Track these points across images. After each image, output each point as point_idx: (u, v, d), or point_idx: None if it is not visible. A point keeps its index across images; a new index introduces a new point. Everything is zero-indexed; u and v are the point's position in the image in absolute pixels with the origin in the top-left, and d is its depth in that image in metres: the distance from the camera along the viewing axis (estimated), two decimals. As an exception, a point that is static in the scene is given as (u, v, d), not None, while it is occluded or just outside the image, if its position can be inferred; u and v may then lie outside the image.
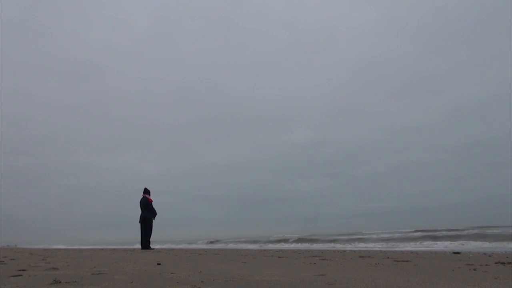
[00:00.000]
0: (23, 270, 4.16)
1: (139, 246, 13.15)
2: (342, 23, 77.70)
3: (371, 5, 71.62)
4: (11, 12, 67.41)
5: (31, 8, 70.70)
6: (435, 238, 17.68)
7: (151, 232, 12.72)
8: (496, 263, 4.76)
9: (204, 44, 78.54)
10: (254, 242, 27.03)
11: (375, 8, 71.25)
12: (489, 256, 6.48)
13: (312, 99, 76.08)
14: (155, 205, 12.87)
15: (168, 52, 79.45)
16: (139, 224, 12.67)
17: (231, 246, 23.59)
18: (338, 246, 16.52)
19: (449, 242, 15.46)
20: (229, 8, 78.59)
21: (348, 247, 15.60)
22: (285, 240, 24.99)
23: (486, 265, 4.49)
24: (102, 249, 17.98)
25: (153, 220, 12.77)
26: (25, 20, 70.29)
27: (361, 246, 16.20)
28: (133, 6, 77.15)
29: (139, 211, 12.72)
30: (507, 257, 5.88)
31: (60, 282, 3.04)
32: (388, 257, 6.26)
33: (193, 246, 26.15)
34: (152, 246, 12.91)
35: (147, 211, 12.64)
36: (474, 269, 3.92)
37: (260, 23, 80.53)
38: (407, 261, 5.35)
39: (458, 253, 7.92)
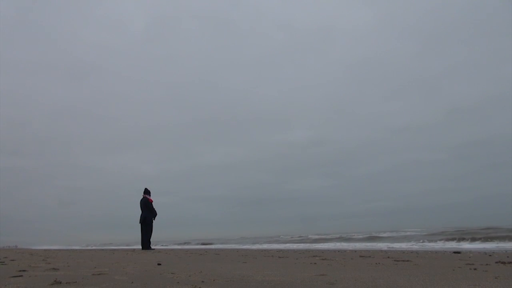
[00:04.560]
0: (24, 270, 4.16)
1: (139, 246, 13.14)
2: (340, 23, 77.88)
3: (368, 5, 71.76)
4: (9, 12, 67.46)
5: (29, 9, 70.78)
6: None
7: (151, 233, 12.71)
8: (496, 262, 4.76)
9: (201, 44, 78.69)
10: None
11: (372, 8, 71.37)
12: (490, 255, 6.47)
13: (311, 99, 76.22)
14: (155, 205, 12.87)
15: (165, 52, 79.67)
16: (140, 224, 12.66)
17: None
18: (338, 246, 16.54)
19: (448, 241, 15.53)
20: (226, 9, 78.76)
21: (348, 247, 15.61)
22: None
23: (487, 264, 4.49)
24: (102, 249, 17.97)
25: (153, 221, 12.76)
26: (23, 20, 70.44)
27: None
28: (129, 6, 77.33)
29: (139, 212, 12.71)
30: (508, 257, 5.88)
31: (60, 282, 3.04)
32: (388, 257, 6.26)
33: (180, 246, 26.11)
34: (152, 246, 12.91)
35: (147, 212, 12.63)
36: (475, 269, 3.91)
37: (258, 24, 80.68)
38: (408, 260, 5.35)
39: (458, 252, 7.91)
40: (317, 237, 24.59)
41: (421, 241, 17.01)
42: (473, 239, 15.80)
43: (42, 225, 65.65)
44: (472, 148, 58.29)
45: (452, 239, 16.47)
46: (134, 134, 78.78)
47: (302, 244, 20.54)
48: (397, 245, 15.34)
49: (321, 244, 19.55)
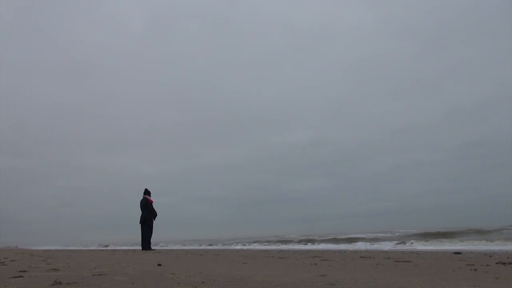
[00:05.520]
0: (24, 271, 4.16)
1: (139, 247, 13.14)
2: (339, 23, 77.77)
3: (367, 6, 71.60)
4: (8, 13, 67.37)
5: (28, 9, 70.75)
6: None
7: (151, 233, 12.71)
8: (497, 263, 4.76)
9: (200, 45, 78.55)
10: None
11: (371, 8, 71.21)
12: (490, 256, 6.47)
13: (310, 100, 76.07)
14: (155, 205, 12.87)
15: (164, 53, 79.45)
16: (140, 225, 12.67)
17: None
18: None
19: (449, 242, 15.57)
20: (225, 8, 78.59)
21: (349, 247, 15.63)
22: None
23: (487, 265, 4.49)
24: (103, 250, 17.98)
25: (154, 221, 12.77)
26: (22, 21, 70.29)
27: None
28: (128, 6, 77.18)
29: (140, 212, 12.71)
30: (508, 257, 5.88)
31: (60, 283, 3.04)
32: (388, 258, 6.26)
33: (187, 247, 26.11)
34: (152, 247, 12.91)
35: (148, 212, 12.63)
36: (475, 269, 3.91)
37: (257, 24, 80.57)
38: (408, 261, 5.35)
39: (459, 253, 7.91)
40: (306, 238, 24.56)
41: (395, 242, 17.08)
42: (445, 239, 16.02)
43: (42, 226, 65.56)
44: (472, 148, 58.20)
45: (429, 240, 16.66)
46: (134, 135, 78.69)
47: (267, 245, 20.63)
48: (374, 247, 15.40)
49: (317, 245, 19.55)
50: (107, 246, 33.32)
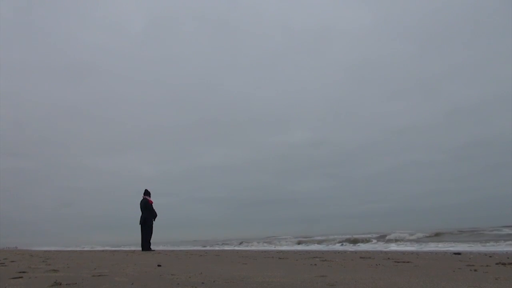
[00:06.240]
0: (24, 272, 4.16)
1: (139, 247, 13.14)
2: (339, 24, 78.05)
3: (367, 6, 71.77)
4: (7, 14, 67.44)
5: (27, 10, 70.84)
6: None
7: (151, 234, 12.70)
8: (497, 263, 4.76)
9: (200, 46, 78.79)
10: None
11: (371, 9, 71.48)
12: (490, 256, 6.47)
13: (310, 100, 76.31)
14: (155, 206, 12.87)
15: (164, 54, 79.69)
16: (140, 225, 12.66)
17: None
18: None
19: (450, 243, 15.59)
20: (225, 10, 78.84)
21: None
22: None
23: (487, 265, 4.49)
24: (102, 250, 17.96)
25: (154, 222, 12.76)
26: (22, 22, 70.50)
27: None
28: (128, 7, 77.39)
29: (140, 213, 12.71)
30: (508, 258, 5.88)
31: (60, 284, 3.04)
32: (388, 258, 6.25)
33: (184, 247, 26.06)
34: (152, 247, 12.90)
35: (148, 213, 12.62)
36: (475, 270, 3.91)
37: (257, 25, 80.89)
38: (408, 262, 5.35)
39: (458, 253, 7.91)
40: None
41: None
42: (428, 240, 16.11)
43: (42, 226, 65.61)
44: (472, 149, 58.34)
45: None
46: (134, 135, 78.90)
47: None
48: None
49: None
50: (93, 248, 33.15)
